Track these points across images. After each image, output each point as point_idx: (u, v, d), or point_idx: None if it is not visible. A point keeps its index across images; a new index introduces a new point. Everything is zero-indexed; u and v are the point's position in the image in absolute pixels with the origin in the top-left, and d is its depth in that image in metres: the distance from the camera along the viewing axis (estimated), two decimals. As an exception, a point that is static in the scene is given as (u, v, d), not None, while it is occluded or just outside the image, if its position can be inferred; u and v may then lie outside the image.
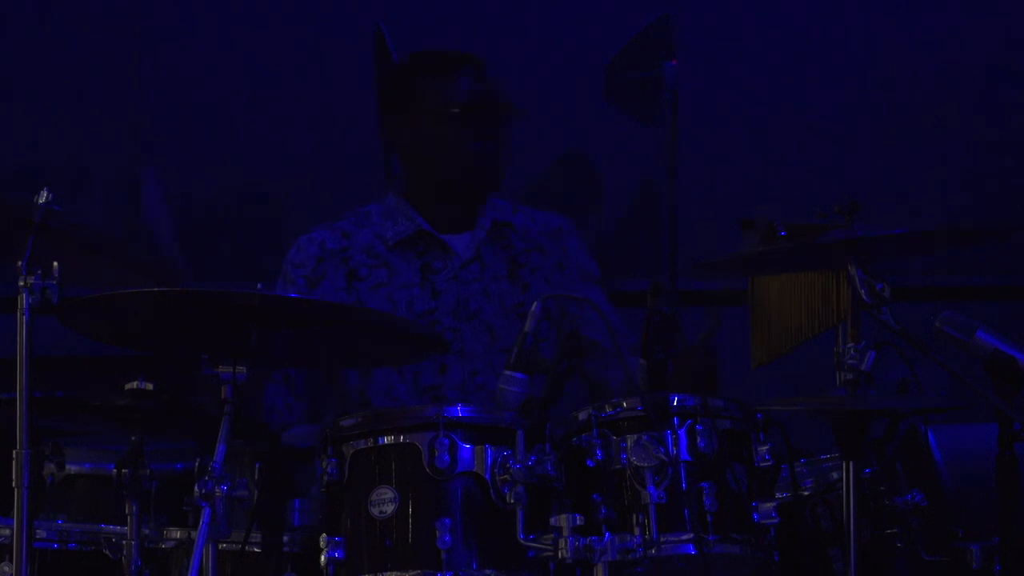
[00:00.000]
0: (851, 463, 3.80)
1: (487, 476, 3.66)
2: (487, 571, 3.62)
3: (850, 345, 3.84)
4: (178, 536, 4.11)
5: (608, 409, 3.72)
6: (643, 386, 3.76)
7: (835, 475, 4.06)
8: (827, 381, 3.92)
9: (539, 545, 3.59)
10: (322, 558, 3.69)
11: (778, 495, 3.92)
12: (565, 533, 3.52)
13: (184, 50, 6.07)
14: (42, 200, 3.71)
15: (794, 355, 4.41)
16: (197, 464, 3.65)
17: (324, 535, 3.71)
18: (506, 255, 4.59)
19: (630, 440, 3.66)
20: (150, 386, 3.98)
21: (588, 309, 4.52)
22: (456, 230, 4.56)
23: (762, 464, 3.75)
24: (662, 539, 3.59)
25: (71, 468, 4.39)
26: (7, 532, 3.99)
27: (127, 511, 4.00)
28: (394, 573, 3.64)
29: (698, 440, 3.69)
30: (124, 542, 4.02)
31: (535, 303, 3.86)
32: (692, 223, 5.82)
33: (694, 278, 5.51)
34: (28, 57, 6.03)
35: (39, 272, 3.66)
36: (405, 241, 4.54)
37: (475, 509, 3.65)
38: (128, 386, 3.99)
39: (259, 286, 3.62)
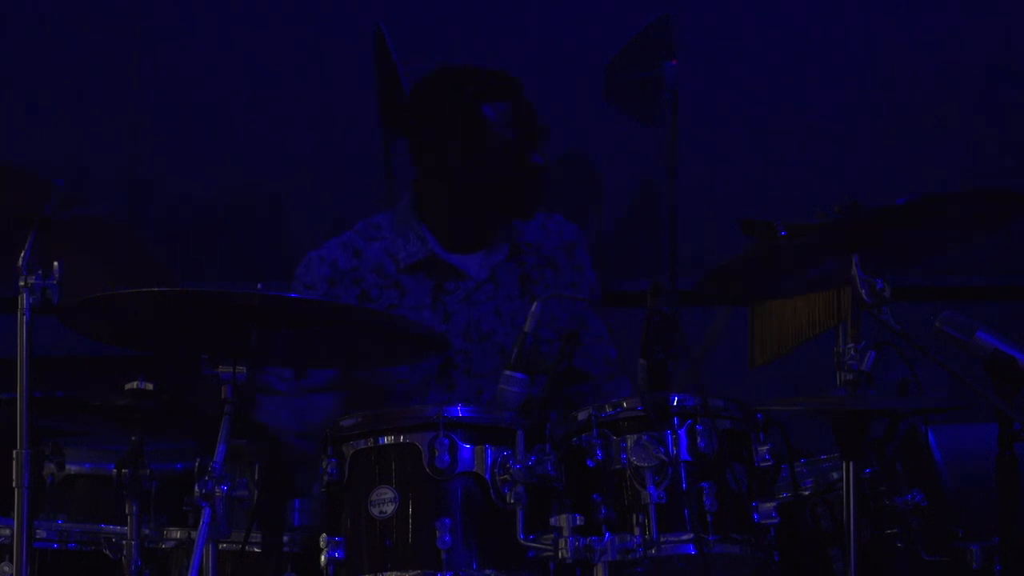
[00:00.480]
0: (851, 463, 3.80)
1: (487, 476, 3.66)
2: (487, 571, 3.62)
3: (850, 345, 3.84)
4: (178, 536, 4.11)
5: (608, 409, 3.72)
6: (643, 386, 3.76)
7: (835, 475, 4.06)
8: (827, 381, 3.92)
9: (539, 545, 3.59)
10: (322, 558, 3.69)
11: (778, 495, 3.92)
12: (565, 533, 3.52)
13: (184, 50, 6.06)
14: (42, 200, 3.71)
15: (794, 355, 4.41)
16: (197, 464, 3.65)
17: (324, 535, 3.71)
18: (519, 273, 4.53)
19: (630, 440, 3.66)
20: (150, 386, 3.99)
21: (590, 338, 4.53)
22: (470, 249, 4.50)
23: (762, 464, 3.75)
24: (662, 539, 3.59)
25: (71, 468, 4.39)
26: (7, 532, 3.99)
27: (127, 511, 4.00)
28: (394, 573, 3.64)
29: (698, 440, 3.69)
30: (124, 542, 4.02)
31: (535, 304, 3.86)
32: (692, 223, 5.82)
33: (694, 277, 5.50)
34: (28, 57, 6.03)
35: (39, 272, 3.66)
36: (415, 265, 4.49)
37: (475, 509, 3.65)
38: (128, 386, 3.99)
39: (259, 286, 3.62)
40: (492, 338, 4.47)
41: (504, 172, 4.42)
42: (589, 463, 3.67)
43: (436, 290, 4.47)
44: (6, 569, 3.86)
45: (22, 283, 3.67)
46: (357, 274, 4.47)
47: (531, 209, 4.48)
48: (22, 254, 3.67)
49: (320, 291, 4.44)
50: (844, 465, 3.80)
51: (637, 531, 3.59)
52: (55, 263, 3.68)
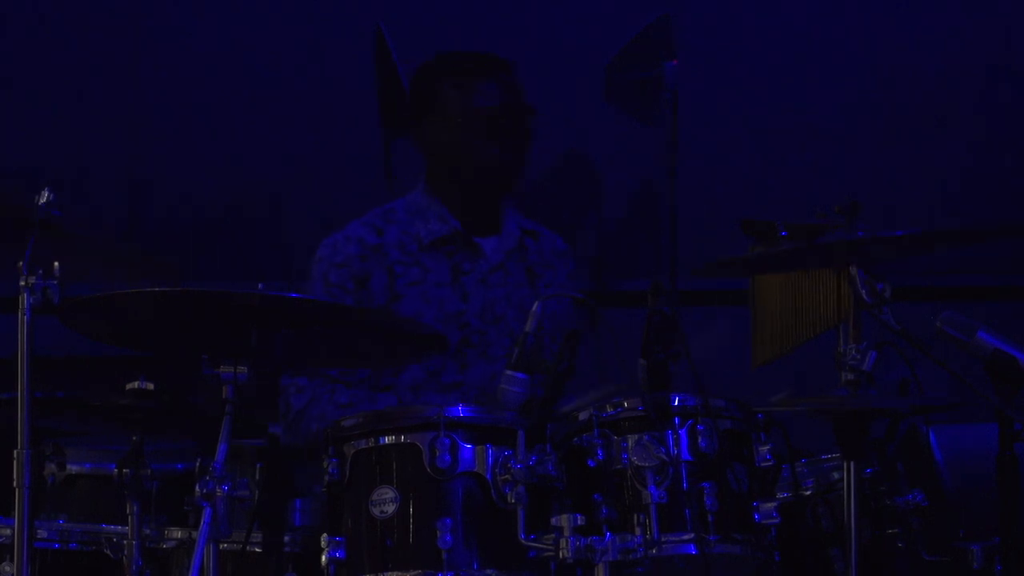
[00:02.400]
0: (852, 463, 3.80)
1: (488, 476, 3.66)
2: (488, 571, 3.62)
3: (851, 345, 3.84)
4: (179, 536, 4.12)
5: (609, 409, 3.72)
6: (643, 386, 3.76)
7: (836, 475, 4.06)
8: (828, 381, 3.92)
9: (540, 545, 3.59)
10: (323, 558, 3.69)
11: (779, 495, 3.92)
12: (566, 533, 3.52)
13: (184, 50, 6.06)
14: (42, 200, 3.71)
15: (794, 355, 4.41)
16: (198, 464, 3.65)
17: (325, 535, 3.71)
18: (524, 265, 4.63)
19: (631, 440, 3.66)
20: (150, 386, 3.99)
21: None
22: (483, 233, 4.59)
23: (763, 464, 3.75)
24: (663, 539, 3.59)
25: (72, 468, 4.39)
26: (8, 532, 4.00)
27: (128, 511, 4.00)
28: (395, 573, 3.64)
29: (699, 440, 3.69)
30: (125, 542, 4.02)
31: (536, 303, 3.87)
32: (692, 223, 5.82)
33: (695, 278, 5.51)
34: (28, 57, 6.03)
35: (40, 272, 3.66)
36: (438, 241, 4.56)
37: (476, 509, 3.65)
38: (128, 386, 3.99)
39: (260, 286, 3.62)
40: (505, 321, 4.54)
41: (482, 151, 4.53)
42: (590, 463, 3.68)
43: (454, 270, 4.54)
44: (7, 569, 3.85)
45: (22, 283, 3.66)
46: (383, 250, 4.53)
47: (509, 184, 4.60)
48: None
49: (355, 268, 4.49)
50: (845, 465, 3.80)
51: (638, 531, 3.59)
52: (55, 263, 3.68)
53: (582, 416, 3.73)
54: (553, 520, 3.56)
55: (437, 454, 3.64)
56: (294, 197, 6.07)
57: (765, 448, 3.75)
